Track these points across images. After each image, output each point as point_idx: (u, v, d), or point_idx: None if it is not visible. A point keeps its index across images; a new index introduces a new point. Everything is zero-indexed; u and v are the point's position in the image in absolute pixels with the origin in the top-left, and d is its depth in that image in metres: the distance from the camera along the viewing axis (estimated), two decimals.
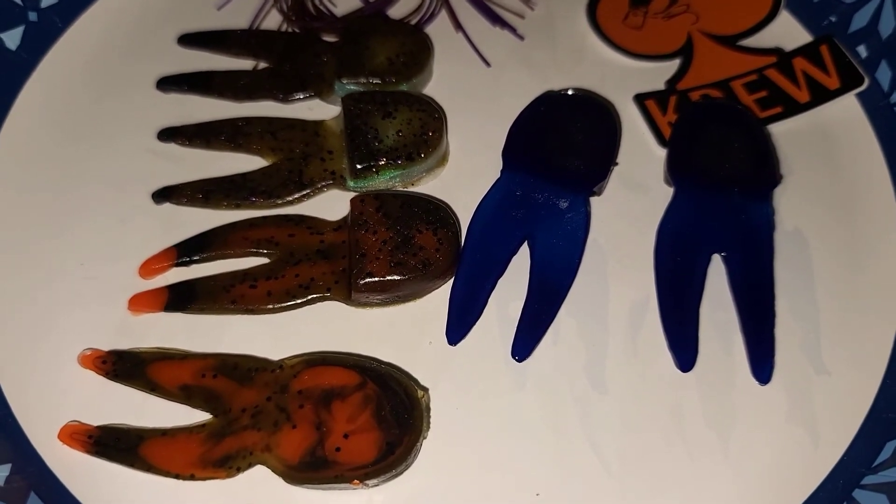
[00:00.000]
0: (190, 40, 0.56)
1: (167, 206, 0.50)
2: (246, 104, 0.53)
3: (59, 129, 0.53)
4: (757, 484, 0.43)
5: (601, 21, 0.57)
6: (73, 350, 0.45)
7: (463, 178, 0.51)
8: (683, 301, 0.46)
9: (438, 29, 0.57)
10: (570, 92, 0.52)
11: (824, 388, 0.45)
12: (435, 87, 0.54)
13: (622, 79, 0.55)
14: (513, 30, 0.57)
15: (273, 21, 0.57)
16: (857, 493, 0.42)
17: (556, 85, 0.54)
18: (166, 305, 0.46)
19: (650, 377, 0.45)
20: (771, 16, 0.57)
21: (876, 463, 0.43)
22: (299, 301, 0.46)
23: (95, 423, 0.43)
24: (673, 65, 0.55)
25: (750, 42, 0.56)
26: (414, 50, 0.53)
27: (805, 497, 0.43)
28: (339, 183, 0.50)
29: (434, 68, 0.55)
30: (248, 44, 0.55)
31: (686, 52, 0.56)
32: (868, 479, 0.43)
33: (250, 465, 0.42)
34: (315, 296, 0.46)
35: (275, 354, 0.45)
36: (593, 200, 0.50)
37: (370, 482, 0.41)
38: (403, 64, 0.53)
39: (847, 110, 0.54)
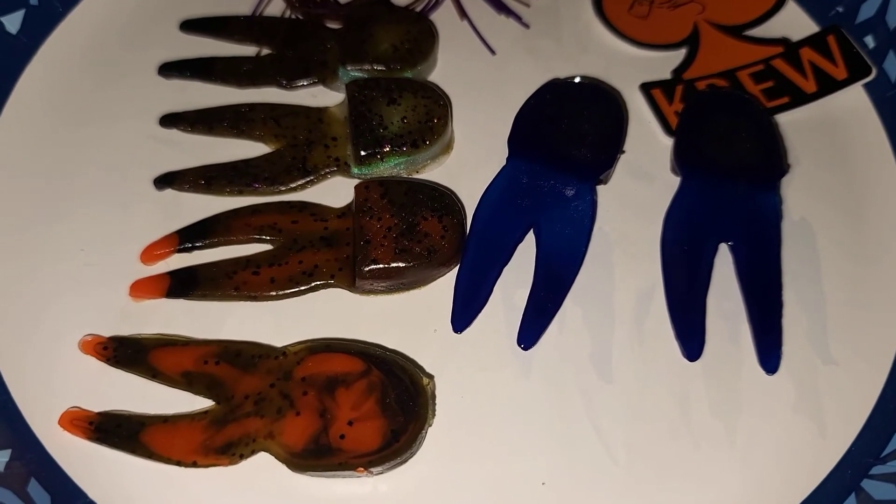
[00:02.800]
0: (192, 26, 0.55)
1: (169, 192, 0.49)
2: (249, 90, 0.53)
3: (60, 114, 0.52)
4: (764, 475, 0.43)
5: (607, 10, 0.56)
6: (74, 336, 0.45)
7: (468, 165, 0.50)
8: (690, 290, 0.46)
9: (443, 16, 0.56)
10: (576, 79, 0.52)
11: (832, 378, 0.45)
12: (440, 75, 0.54)
13: (628, 68, 0.54)
14: (518, 18, 0.57)
15: (276, 7, 0.56)
16: (866, 484, 0.42)
17: (561, 74, 0.53)
18: (168, 292, 0.46)
19: (656, 366, 0.45)
20: (778, 6, 0.56)
21: (884, 453, 0.43)
22: (303, 288, 0.46)
23: (96, 410, 0.43)
24: (679, 54, 0.55)
25: (756, 32, 0.56)
26: (418, 37, 0.53)
27: (813, 488, 0.42)
28: (343, 170, 0.49)
29: (439, 56, 0.54)
30: (251, 30, 0.55)
31: (692, 42, 0.55)
32: (876, 470, 0.43)
33: (253, 453, 0.41)
34: (319, 283, 0.46)
35: (278, 341, 0.44)
36: (599, 189, 0.49)
37: (374, 470, 0.41)
38: (408, 51, 0.52)
39: (854, 101, 0.53)
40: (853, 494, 0.42)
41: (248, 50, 0.55)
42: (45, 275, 0.47)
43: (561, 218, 0.47)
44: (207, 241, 0.47)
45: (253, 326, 0.45)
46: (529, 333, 0.45)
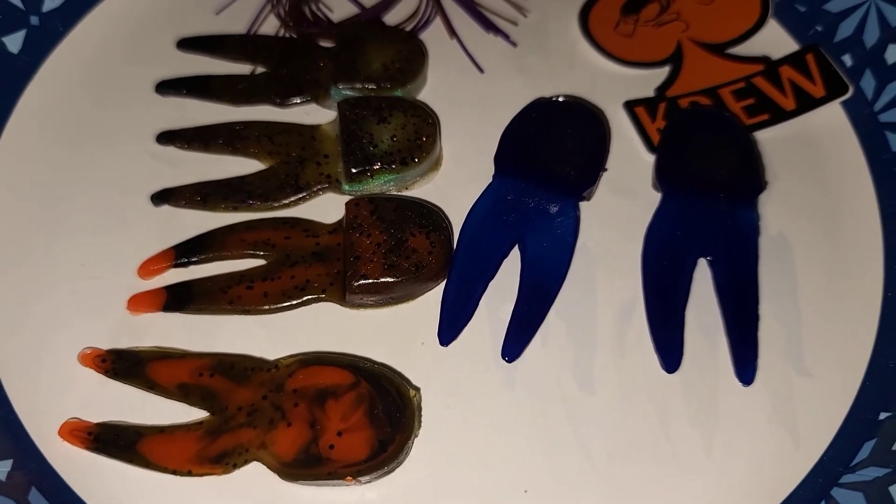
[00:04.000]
0: (189, 45, 0.57)
1: (166, 208, 0.51)
2: (243, 108, 0.54)
3: (60, 132, 0.53)
4: (739, 482, 0.44)
5: (593, 28, 0.58)
6: (74, 349, 0.46)
7: (456, 182, 0.52)
8: (670, 304, 0.47)
9: (433, 35, 0.57)
10: (560, 98, 0.53)
11: (806, 389, 0.46)
12: (429, 93, 0.55)
13: (613, 85, 0.56)
14: (506, 36, 0.58)
15: (271, 26, 0.58)
16: (836, 492, 0.43)
17: (548, 91, 0.55)
18: (165, 306, 0.47)
19: (637, 378, 0.46)
20: (759, 24, 0.57)
21: (854, 462, 0.44)
22: (295, 302, 0.47)
23: (95, 421, 0.44)
24: (662, 72, 0.56)
25: (738, 50, 0.57)
26: (409, 56, 0.54)
27: (785, 495, 0.44)
28: (335, 186, 0.51)
29: (428, 74, 0.55)
30: (246, 49, 0.56)
31: (676, 60, 0.56)
32: (846, 478, 0.44)
33: (246, 462, 0.42)
34: (310, 297, 0.47)
35: (270, 354, 0.46)
36: (583, 205, 0.51)
37: (363, 479, 0.42)
38: (398, 70, 0.53)
39: (832, 118, 0.54)
40: (823, 503, 0.43)
41: (244, 68, 0.56)
42: (47, 289, 0.48)
43: (545, 234, 0.48)
44: (203, 257, 0.48)
45: (246, 340, 0.46)
46: (513, 346, 0.46)
